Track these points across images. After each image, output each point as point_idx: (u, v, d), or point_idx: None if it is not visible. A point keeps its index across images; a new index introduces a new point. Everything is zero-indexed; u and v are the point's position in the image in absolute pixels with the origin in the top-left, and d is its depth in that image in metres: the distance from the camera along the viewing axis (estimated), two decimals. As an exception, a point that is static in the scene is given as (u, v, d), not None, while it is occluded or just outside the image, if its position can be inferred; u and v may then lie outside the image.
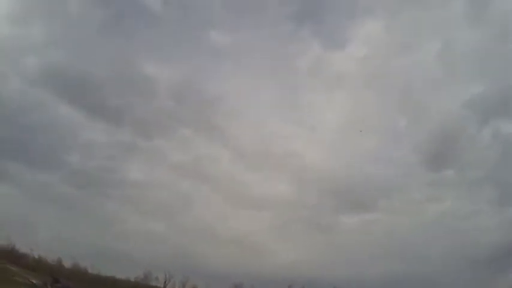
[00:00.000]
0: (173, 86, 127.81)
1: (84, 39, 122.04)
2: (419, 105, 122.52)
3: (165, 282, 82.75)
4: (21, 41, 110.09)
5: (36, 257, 69.95)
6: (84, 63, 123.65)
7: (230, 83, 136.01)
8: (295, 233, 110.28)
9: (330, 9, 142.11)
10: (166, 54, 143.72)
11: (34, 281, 48.67)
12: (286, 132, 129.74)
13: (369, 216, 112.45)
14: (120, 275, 78.69)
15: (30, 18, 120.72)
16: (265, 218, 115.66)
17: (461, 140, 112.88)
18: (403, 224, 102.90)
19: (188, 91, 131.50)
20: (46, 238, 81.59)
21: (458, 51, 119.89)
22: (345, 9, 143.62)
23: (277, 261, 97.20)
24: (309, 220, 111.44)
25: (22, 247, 69.33)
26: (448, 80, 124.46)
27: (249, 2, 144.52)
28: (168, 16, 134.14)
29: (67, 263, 73.31)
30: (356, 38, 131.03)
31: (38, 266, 65.68)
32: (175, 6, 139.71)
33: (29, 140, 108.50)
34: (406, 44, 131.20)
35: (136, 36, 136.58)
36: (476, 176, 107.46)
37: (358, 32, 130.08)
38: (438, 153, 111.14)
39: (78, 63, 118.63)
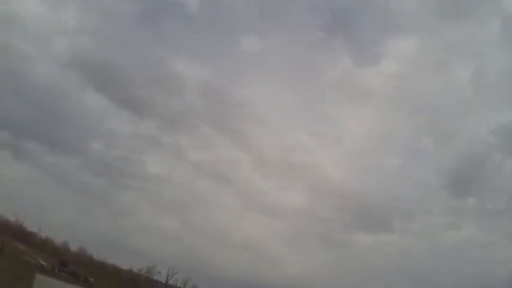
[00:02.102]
0: (201, 85, 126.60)
1: (117, 29, 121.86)
2: (447, 127, 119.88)
3: (167, 277, 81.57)
4: (53, 24, 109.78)
5: (44, 237, 69.08)
6: (115, 53, 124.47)
7: (257, 88, 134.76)
8: (306, 245, 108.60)
9: (364, 22, 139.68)
10: (197, 54, 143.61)
11: (43, 263, 47.43)
12: (308, 143, 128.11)
13: (384, 237, 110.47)
14: (125, 265, 77.91)
15: (64, 1, 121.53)
16: (278, 227, 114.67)
17: (486, 168, 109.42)
18: (418, 248, 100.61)
19: (215, 92, 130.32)
20: (56, 220, 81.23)
21: (492, 76, 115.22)
22: (378, 24, 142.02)
23: (285, 271, 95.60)
24: (322, 234, 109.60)
25: (31, 226, 68.68)
26: (479, 104, 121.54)
27: (283, 9, 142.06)
28: (203, 16, 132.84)
29: (73, 247, 72.54)
30: (388, 54, 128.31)
31: (44, 246, 64.81)
32: (211, 7, 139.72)
33: (54, 123, 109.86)
34: (439, 63, 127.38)
35: (170, 33, 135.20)
36: (498, 207, 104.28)
37: (390, 49, 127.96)
38: (462, 179, 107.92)
39: (109, 52, 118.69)
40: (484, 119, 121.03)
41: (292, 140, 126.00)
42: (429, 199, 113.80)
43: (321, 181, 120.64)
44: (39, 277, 29.39)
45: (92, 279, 52.64)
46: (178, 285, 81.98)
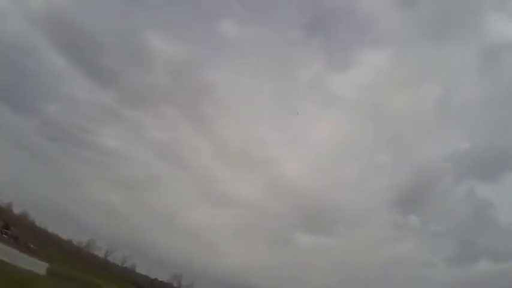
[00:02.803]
0: (172, 63, 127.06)
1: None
2: (406, 145, 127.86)
3: (106, 253, 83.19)
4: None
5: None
6: (89, 18, 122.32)
7: (229, 75, 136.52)
8: (252, 239, 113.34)
9: (343, 29, 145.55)
10: (174, 32, 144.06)
11: (-14, 223, 48.33)
12: (272, 139, 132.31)
13: (326, 240, 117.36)
14: (66, 235, 78.55)
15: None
16: (228, 217, 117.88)
17: (435, 190, 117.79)
18: (356, 256, 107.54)
19: (185, 73, 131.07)
20: (3, 181, 79.73)
21: (458, 102, 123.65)
22: (357, 33, 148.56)
23: (225, 262, 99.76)
24: (269, 230, 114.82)
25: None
26: (440, 127, 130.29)
27: (268, 1, 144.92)
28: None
29: (17, 210, 72.47)
30: (361, 64, 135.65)
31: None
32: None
33: (16, 81, 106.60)
34: (409, 81, 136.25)
35: (149, 7, 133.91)
36: (439, 229, 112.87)
37: (364, 59, 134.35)
38: (409, 196, 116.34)
39: (83, 16, 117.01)
40: (441, 143, 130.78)
41: (256, 133, 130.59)
42: (375, 211, 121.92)
43: (277, 178, 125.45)
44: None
45: (32, 246, 53.77)
46: (117, 262, 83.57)
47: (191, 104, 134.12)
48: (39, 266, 28.94)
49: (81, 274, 43.29)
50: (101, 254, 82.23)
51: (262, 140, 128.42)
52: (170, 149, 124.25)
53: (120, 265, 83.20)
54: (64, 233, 78.88)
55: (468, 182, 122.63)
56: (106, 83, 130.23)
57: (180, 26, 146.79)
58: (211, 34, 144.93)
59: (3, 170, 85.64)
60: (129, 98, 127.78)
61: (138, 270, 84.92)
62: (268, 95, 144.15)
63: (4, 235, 49.65)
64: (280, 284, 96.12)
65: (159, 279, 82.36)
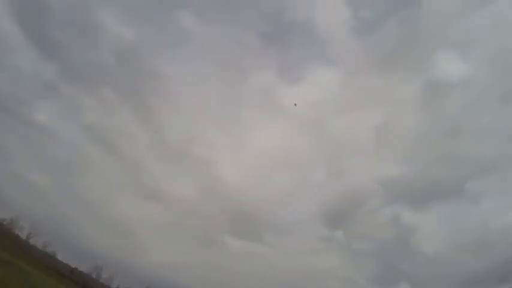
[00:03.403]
0: (120, 45, 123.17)
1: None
2: (342, 164, 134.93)
3: (28, 235, 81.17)
4: None
5: None
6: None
7: (180, 70, 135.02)
8: (180, 237, 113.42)
9: (300, 45, 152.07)
10: (127, 12, 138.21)
11: None
12: (214, 140, 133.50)
13: (254, 246, 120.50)
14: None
15: None
16: (158, 213, 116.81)
17: (363, 210, 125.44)
18: (283, 266, 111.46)
19: (134, 58, 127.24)
20: None
21: (395, 130, 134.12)
22: (312, 51, 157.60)
23: (149, 257, 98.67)
24: (198, 230, 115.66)
25: None
26: (375, 152, 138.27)
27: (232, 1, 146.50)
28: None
29: None
30: (311, 80, 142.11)
31: None
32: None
33: None
34: (353, 105, 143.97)
35: None
36: (364, 248, 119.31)
37: (314, 77, 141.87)
38: (338, 213, 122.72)
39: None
40: (375, 167, 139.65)
41: (199, 132, 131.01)
42: (305, 223, 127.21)
43: (214, 180, 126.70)
44: None
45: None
46: (39, 246, 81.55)
47: (135, 91, 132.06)
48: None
49: (1, 251, 43.39)
50: (22, 235, 80.00)
51: (204, 140, 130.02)
52: (105, 134, 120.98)
53: (41, 249, 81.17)
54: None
55: (395, 207, 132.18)
56: (51, 55, 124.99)
57: (136, 9, 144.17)
58: (169, 24, 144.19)
59: None
60: (71, 74, 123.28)
61: (59, 258, 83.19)
62: (216, 94, 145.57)
63: None
64: (203, 285, 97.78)
65: (79, 269, 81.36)
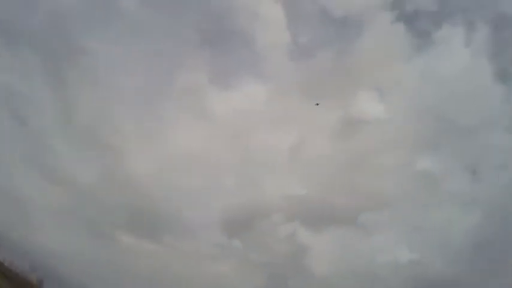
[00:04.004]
0: (57, 7, 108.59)
1: None
2: (253, 176, 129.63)
3: None
4: None
5: None
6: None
7: (107, 46, 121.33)
8: (69, 224, 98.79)
9: (236, 53, 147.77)
10: None
11: None
12: (126, 128, 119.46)
13: (150, 246, 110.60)
14: None
15: None
16: (51, 193, 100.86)
17: (263, 223, 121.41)
18: (178, 268, 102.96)
19: (58, 22, 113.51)
20: None
21: (307, 154, 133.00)
22: (246, 62, 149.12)
23: (33, 237, 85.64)
24: (91, 219, 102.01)
25: None
26: (286, 170, 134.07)
27: None
28: None
29: None
30: (241, 90, 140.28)
31: None
32: None
33: None
34: (275, 122, 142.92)
35: None
36: (257, 259, 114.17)
37: (244, 87, 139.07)
38: (240, 222, 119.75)
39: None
40: (283, 184, 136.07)
41: (112, 117, 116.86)
42: (206, 228, 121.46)
43: (120, 170, 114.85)
44: None
45: None
46: None
47: (56, 59, 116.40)
48: None
49: None
50: None
51: (116, 126, 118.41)
52: (8, 96, 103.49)
53: None
54: None
55: (294, 224, 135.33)
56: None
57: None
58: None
59: None
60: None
61: None
62: (141, 84, 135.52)
63: None
64: (87, 277, 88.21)
65: None
